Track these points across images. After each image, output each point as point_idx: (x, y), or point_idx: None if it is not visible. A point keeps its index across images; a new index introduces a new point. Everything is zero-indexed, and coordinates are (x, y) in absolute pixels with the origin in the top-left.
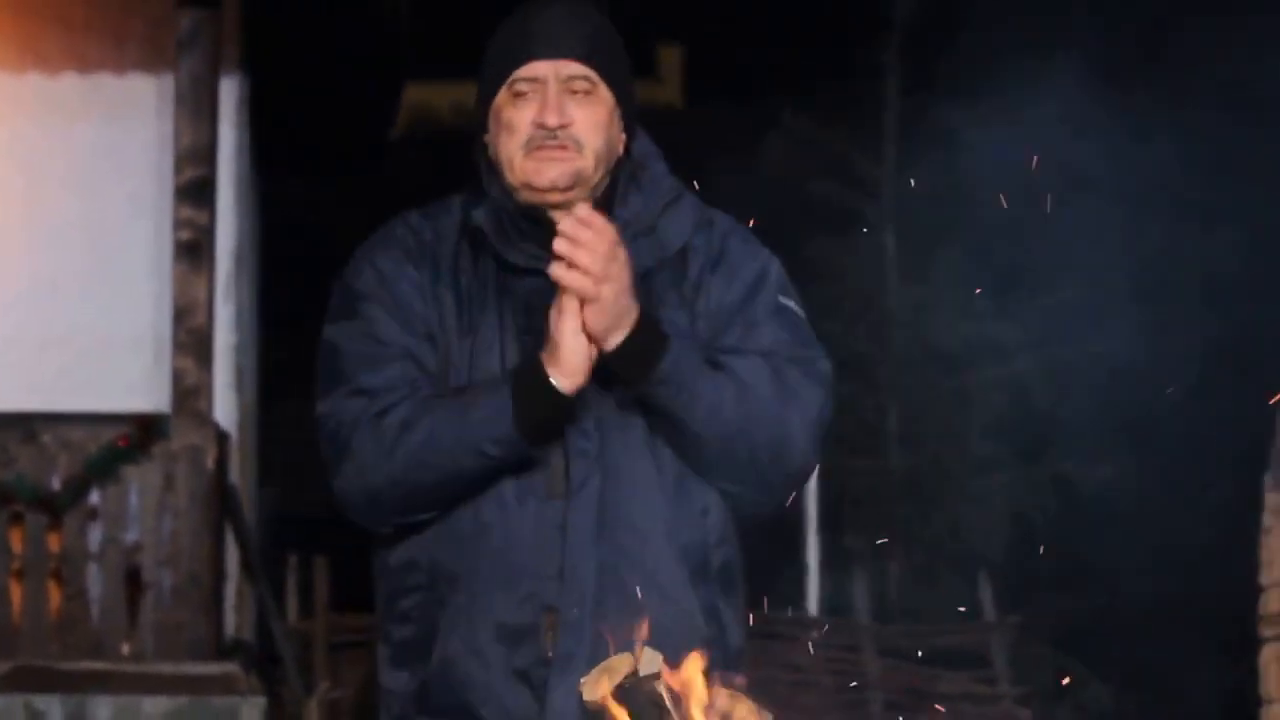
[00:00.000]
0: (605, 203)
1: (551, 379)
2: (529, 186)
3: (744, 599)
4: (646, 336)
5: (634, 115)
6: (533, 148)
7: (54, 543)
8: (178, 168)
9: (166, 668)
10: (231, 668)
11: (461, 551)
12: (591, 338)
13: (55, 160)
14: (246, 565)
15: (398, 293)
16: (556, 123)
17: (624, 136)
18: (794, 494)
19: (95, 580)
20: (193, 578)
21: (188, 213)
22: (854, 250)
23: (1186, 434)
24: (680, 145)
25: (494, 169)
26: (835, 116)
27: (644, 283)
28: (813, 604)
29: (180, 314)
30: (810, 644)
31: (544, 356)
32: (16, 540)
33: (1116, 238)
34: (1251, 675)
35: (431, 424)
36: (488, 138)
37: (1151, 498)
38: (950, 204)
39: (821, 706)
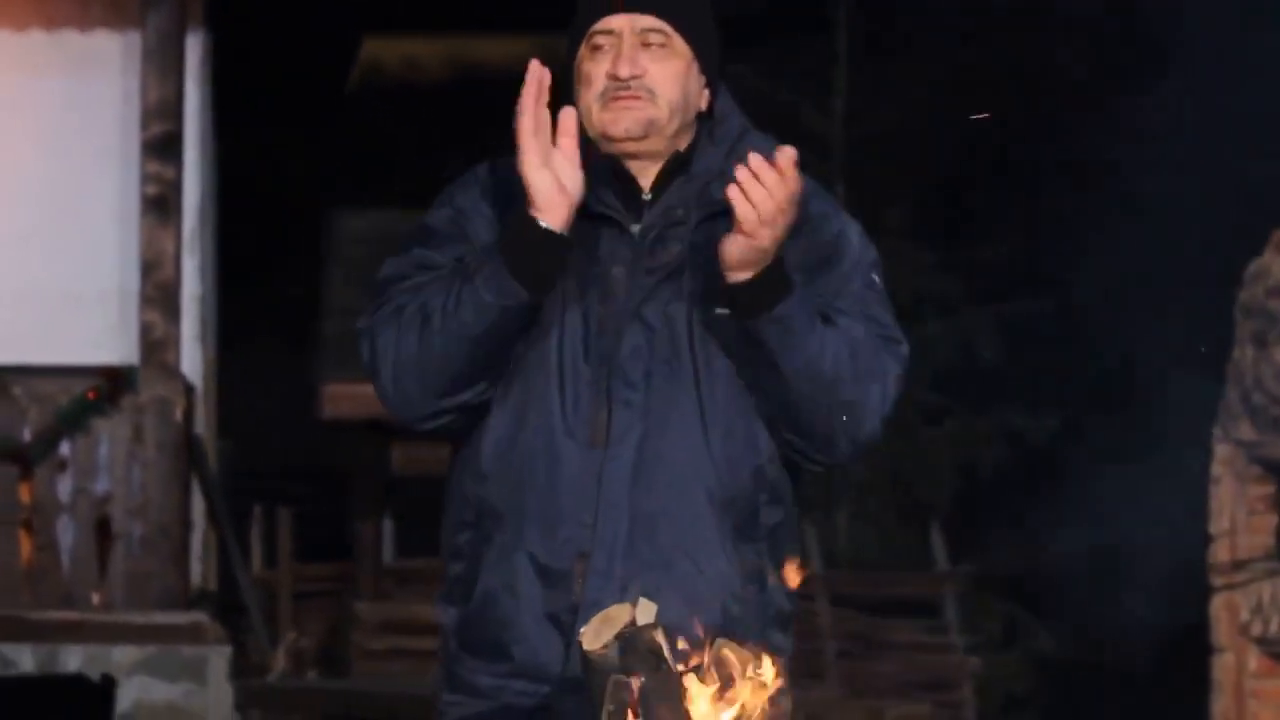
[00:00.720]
0: (686, 157)
1: (537, 218)
2: (606, 137)
3: (796, 561)
4: (774, 278)
5: (716, 72)
6: (608, 98)
7: (24, 494)
8: (144, 123)
9: (136, 617)
10: (199, 617)
11: (507, 492)
12: (725, 265)
13: (21, 115)
14: (212, 516)
15: (470, 228)
16: (628, 73)
17: (706, 92)
18: (854, 458)
19: (66, 531)
20: (161, 528)
21: (155, 167)
22: None
23: (1136, 385)
24: None
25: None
26: (784, 70)
27: (713, 229)
28: None
29: (148, 268)
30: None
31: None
32: None
33: (1063, 188)
34: (1202, 624)
35: (438, 296)
36: (574, 92)
37: (1100, 448)
38: (898, 158)
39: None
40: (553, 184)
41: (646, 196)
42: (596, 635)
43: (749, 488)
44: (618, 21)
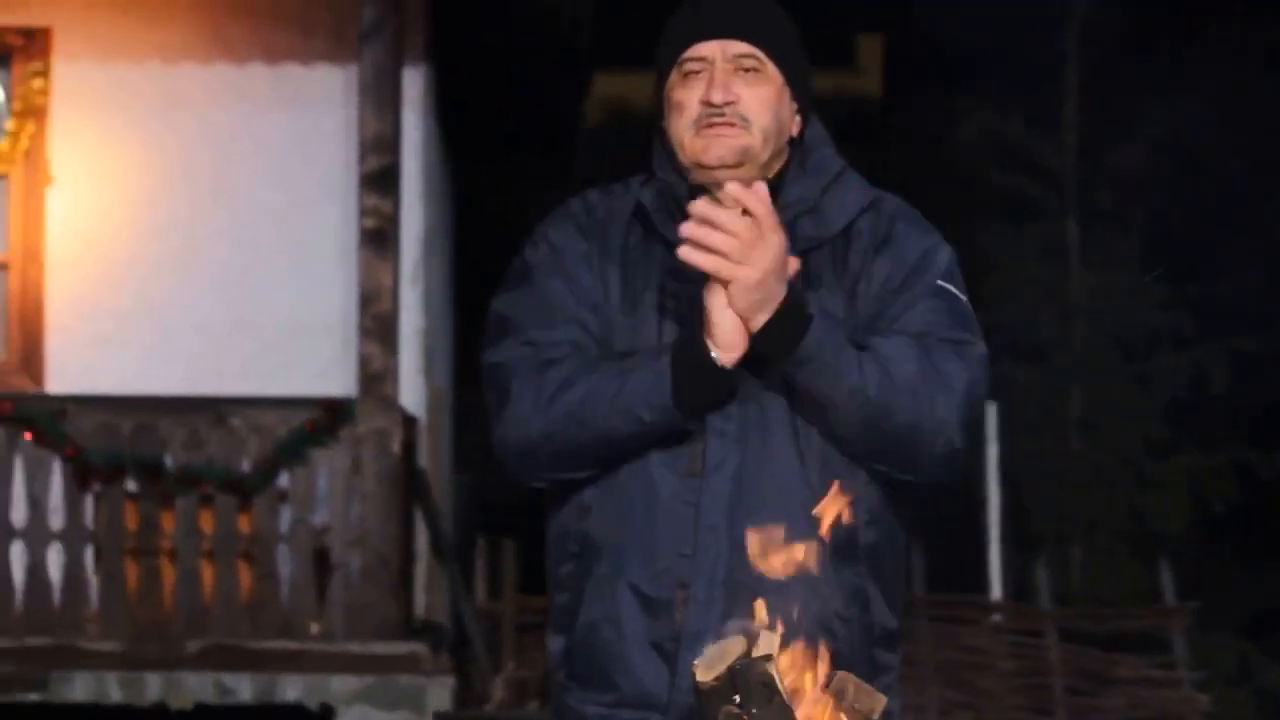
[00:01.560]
0: (776, 184)
1: (710, 350)
2: (699, 165)
3: (900, 581)
4: (791, 318)
5: (808, 99)
6: (701, 125)
7: (244, 524)
8: (362, 156)
9: (354, 647)
10: (418, 647)
11: (607, 523)
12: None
13: (245, 149)
14: (436, 547)
15: (568, 264)
16: (722, 99)
17: (797, 119)
18: (950, 472)
19: (285, 561)
20: (380, 559)
21: (372, 200)
22: (1036, 238)
23: None
24: (876, 134)
25: (668, 151)
26: (1015, 105)
27: (804, 261)
28: (995, 588)
29: (366, 300)
30: (992, 627)
31: (703, 330)
32: (207, 522)
33: None
34: None
35: (591, 383)
36: (664, 121)
37: None
38: (1130, 192)
39: (1002, 689)
40: (736, 325)
41: None
42: (710, 666)
43: (846, 511)
44: (709, 48)
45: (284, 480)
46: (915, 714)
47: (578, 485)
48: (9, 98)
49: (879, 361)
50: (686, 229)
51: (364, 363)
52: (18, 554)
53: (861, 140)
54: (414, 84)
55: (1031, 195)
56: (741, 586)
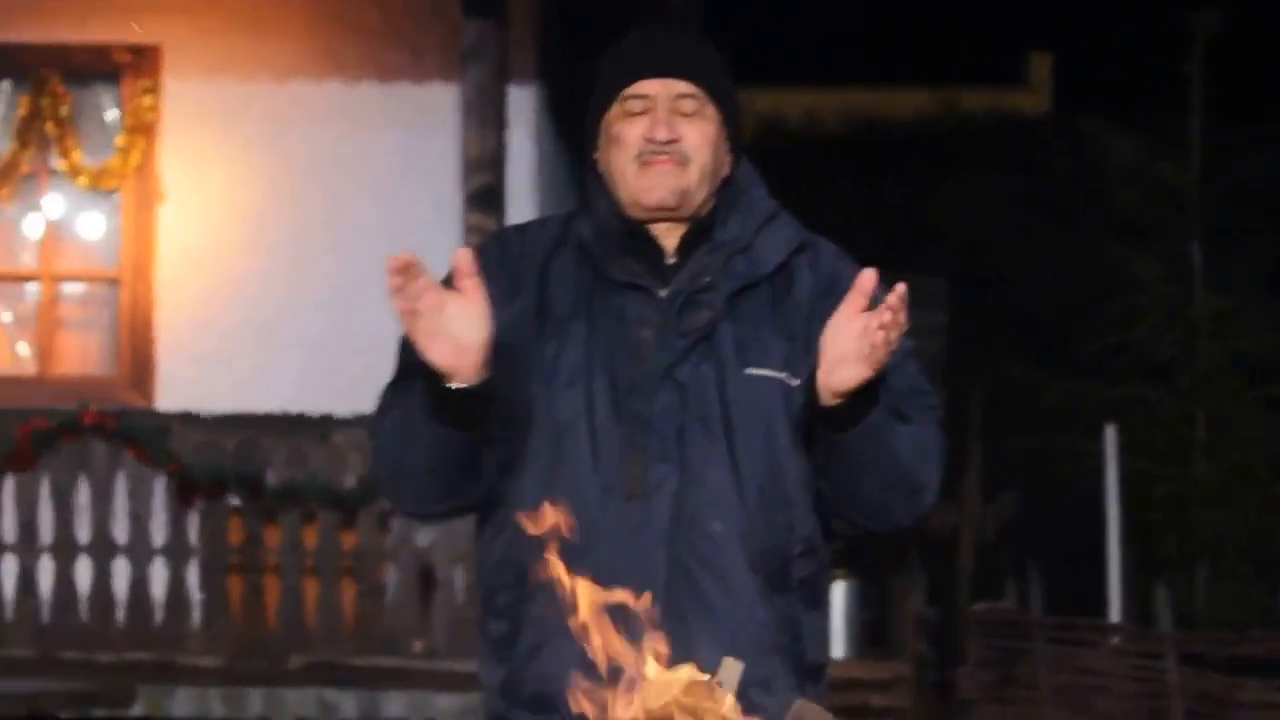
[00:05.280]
0: (707, 223)
1: (444, 384)
2: (638, 204)
3: (826, 613)
4: (868, 393)
5: (739, 140)
6: (642, 161)
7: (347, 541)
8: (466, 175)
9: (458, 665)
10: None
11: (544, 550)
12: (830, 392)
13: (356, 167)
14: None
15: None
16: (666, 137)
17: (729, 158)
18: (913, 525)
19: (388, 578)
20: None
21: (476, 219)
22: (1161, 258)
23: None
24: (1040, 151)
25: (600, 185)
26: (1139, 126)
27: (736, 300)
28: (1115, 611)
29: None
30: (1111, 650)
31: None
32: (310, 538)
33: None
34: None
35: (400, 420)
36: (598, 154)
37: None
38: (1255, 214)
39: (1122, 712)
40: (449, 352)
41: (671, 260)
42: (658, 694)
43: (782, 540)
44: (652, 86)
45: None
46: None
47: (507, 512)
48: (120, 115)
49: (914, 436)
50: (881, 319)
51: None
52: (120, 569)
53: (1027, 157)
54: (524, 103)
55: (1157, 215)
56: (678, 608)
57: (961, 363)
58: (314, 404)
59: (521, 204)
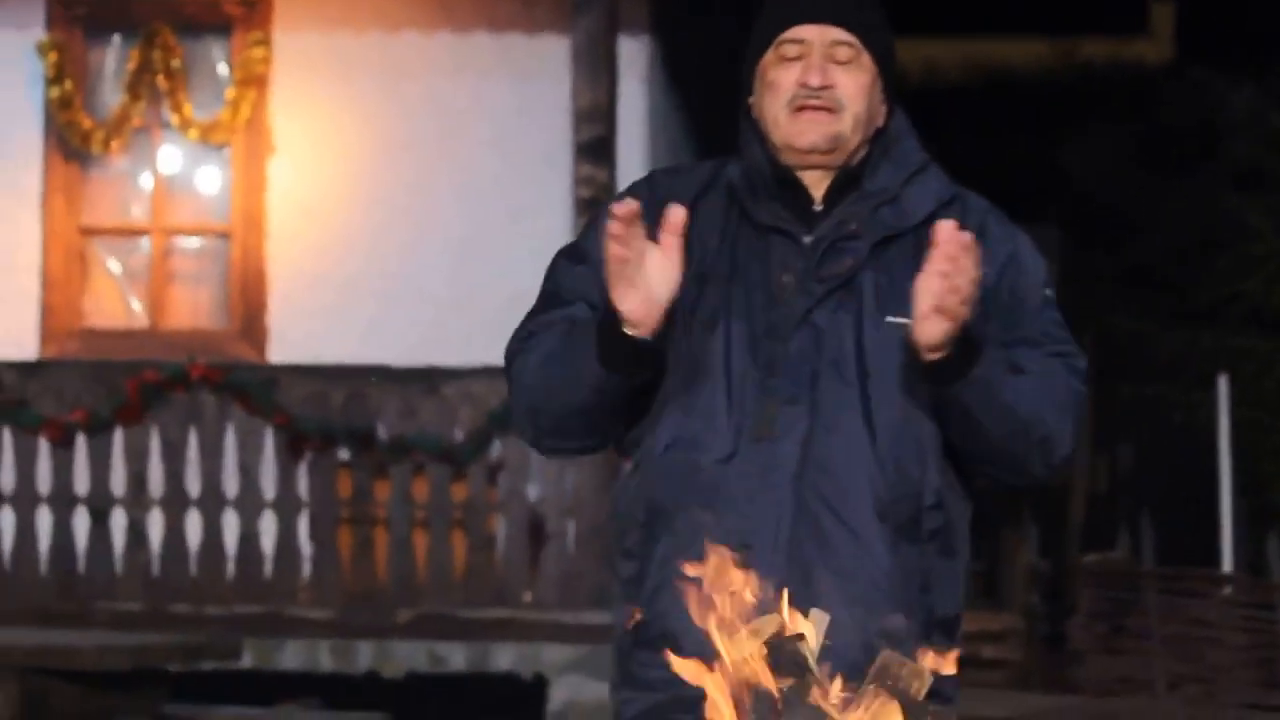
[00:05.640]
0: (857, 172)
1: (623, 330)
2: (790, 148)
3: (965, 570)
4: (967, 348)
5: (894, 89)
6: (795, 106)
7: (457, 493)
8: (576, 126)
9: (568, 617)
10: None
11: (674, 489)
12: (924, 347)
13: (467, 119)
14: None
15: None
16: (819, 83)
17: (884, 108)
18: (1050, 478)
19: (498, 531)
20: (594, 528)
21: (587, 170)
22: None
23: None
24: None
25: (755, 130)
26: (1262, 71)
27: (884, 249)
28: (1226, 561)
29: None
30: (1223, 601)
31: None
32: (420, 491)
33: None
34: None
35: (552, 354)
36: (752, 99)
37: None
38: None
39: (1231, 664)
40: (638, 303)
41: (818, 208)
42: (740, 644)
43: (913, 491)
44: (809, 31)
45: (497, 449)
46: (1143, 687)
47: (648, 452)
48: (230, 68)
49: (1032, 385)
50: (941, 265)
51: None
52: (230, 522)
53: (1147, 106)
54: (635, 54)
55: (1274, 165)
56: (800, 552)
57: (1074, 312)
58: (427, 357)
59: (632, 155)
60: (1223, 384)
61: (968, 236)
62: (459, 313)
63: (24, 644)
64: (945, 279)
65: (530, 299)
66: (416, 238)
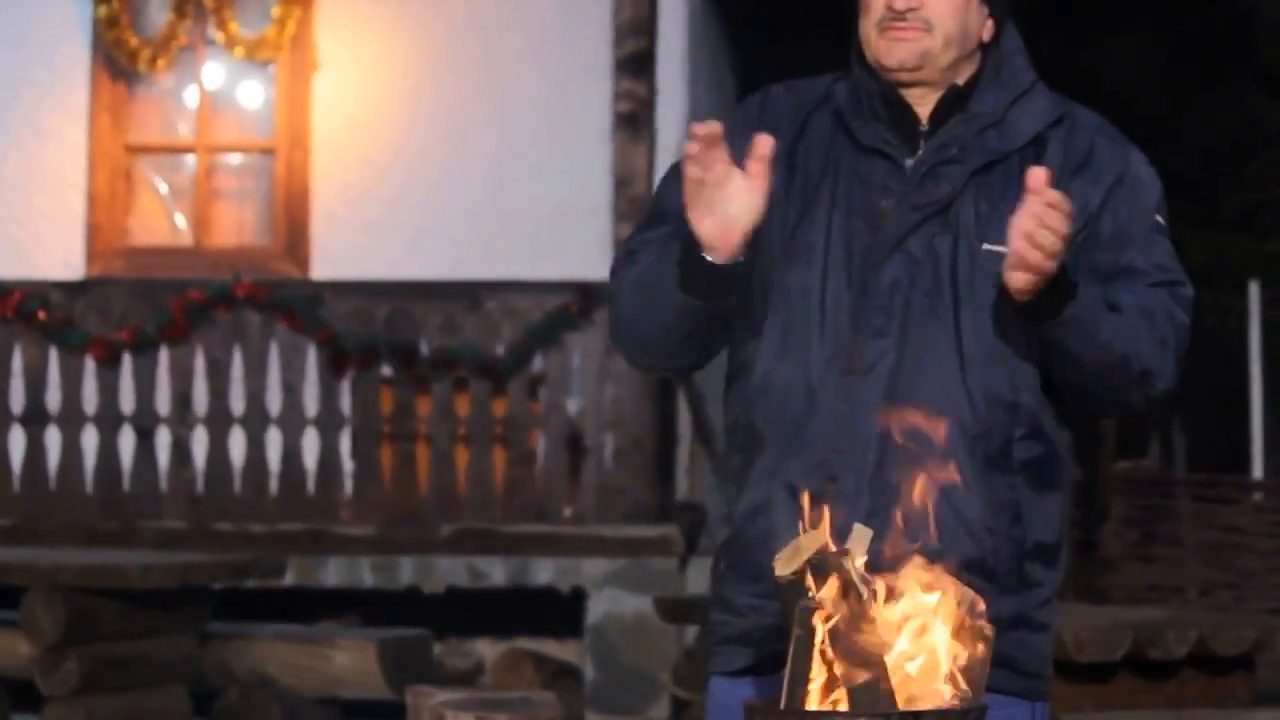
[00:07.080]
0: (965, 92)
1: (701, 253)
2: (880, 66)
3: (1067, 498)
4: (1058, 288)
5: (1005, 8)
6: (883, 27)
7: (498, 408)
8: (617, 40)
9: (606, 530)
10: (670, 530)
11: (768, 417)
12: (1013, 292)
13: (511, 34)
14: (699, 429)
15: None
16: (903, 6)
17: (990, 24)
18: (1149, 409)
19: (539, 445)
20: (633, 441)
21: (627, 84)
22: None
23: None
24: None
25: (859, 49)
26: None
27: (986, 173)
28: (1257, 467)
29: (620, 184)
30: (1253, 507)
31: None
32: (461, 406)
33: None
34: None
35: (643, 275)
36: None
37: None
38: None
39: (1261, 569)
40: (717, 227)
41: (923, 129)
42: (787, 562)
43: (1004, 422)
44: None
45: (538, 364)
46: (1174, 594)
47: (747, 378)
48: None
49: (1131, 320)
50: (1030, 225)
51: (618, 247)
52: (273, 440)
53: (1178, 9)
54: None
55: None
56: (887, 484)
57: None
58: (471, 272)
59: (673, 69)
60: (1254, 290)
61: (1057, 194)
62: (500, 227)
63: (70, 563)
64: (1028, 238)
65: (570, 214)
66: (459, 153)
